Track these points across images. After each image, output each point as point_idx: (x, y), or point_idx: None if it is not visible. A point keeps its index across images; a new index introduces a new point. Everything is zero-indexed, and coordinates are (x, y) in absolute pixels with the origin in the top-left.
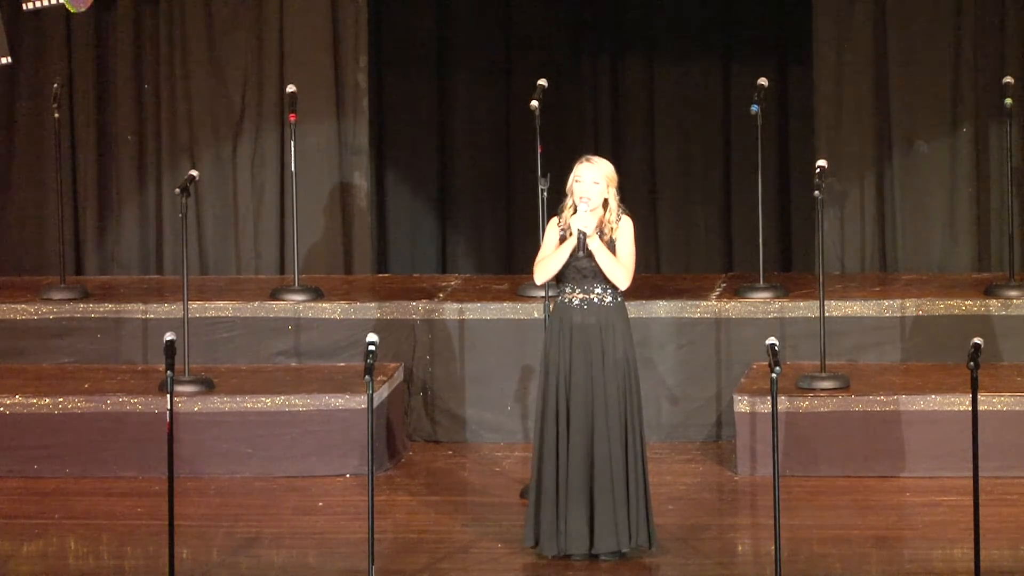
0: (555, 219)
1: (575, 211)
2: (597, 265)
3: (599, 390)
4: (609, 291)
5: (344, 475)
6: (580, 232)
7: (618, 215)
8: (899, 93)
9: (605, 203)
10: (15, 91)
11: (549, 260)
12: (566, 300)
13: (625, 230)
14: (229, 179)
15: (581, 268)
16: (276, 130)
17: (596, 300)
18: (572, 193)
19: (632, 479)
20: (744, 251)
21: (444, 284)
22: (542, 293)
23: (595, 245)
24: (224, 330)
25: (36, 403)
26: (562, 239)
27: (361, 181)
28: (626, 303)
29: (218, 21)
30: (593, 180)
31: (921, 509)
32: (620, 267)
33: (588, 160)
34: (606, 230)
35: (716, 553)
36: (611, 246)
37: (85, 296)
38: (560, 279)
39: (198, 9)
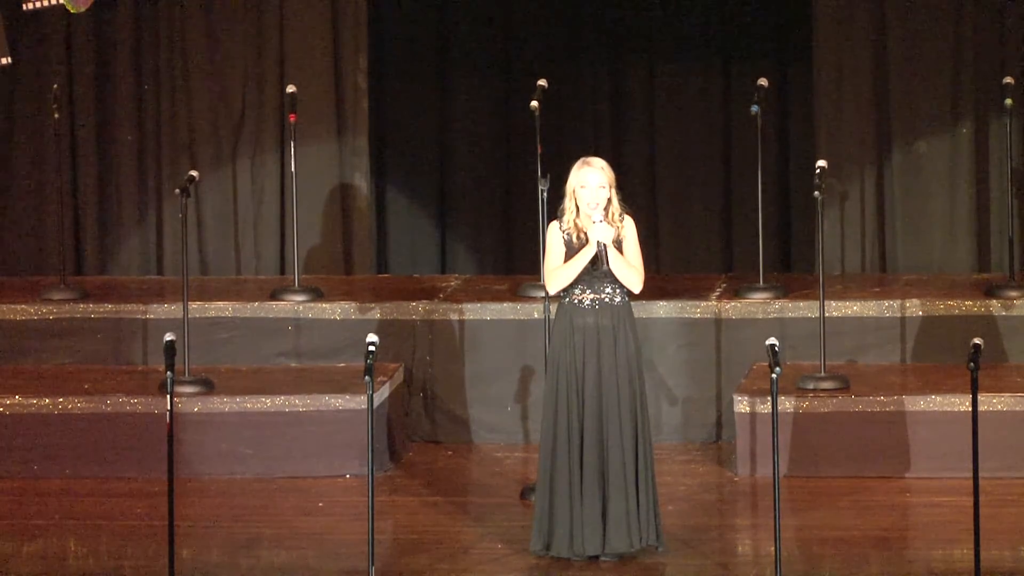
0: (556, 222)
1: (577, 213)
2: (609, 267)
3: (611, 389)
4: (618, 290)
5: (344, 476)
6: (600, 244)
7: (621, 215)
8: (899, 93)
9: (608, 203)
10: (15, 91)
11: (566, 270)
12: (575, 301)
13: (630, 230)
14: (229, 179)
15: (591, 270)
16: (276, 130)
17: (607, 300)
18: (574, 196)
19: (642, 477)
20: (744, 251)
21: (444, 284)
22: (542, 293)
23: (614, 255)
24: (224, 330)
25: (36, 403)
26: (567, 243)
27: (361, 181)
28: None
29: (218, 21)
30: (600, 184)
31: (921, 509)
32: (635, 273)
33: (588, 164)
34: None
35: (716, 553)
36: (618, 246)
37: (85, 296)
38: None
39: (198, 9)
